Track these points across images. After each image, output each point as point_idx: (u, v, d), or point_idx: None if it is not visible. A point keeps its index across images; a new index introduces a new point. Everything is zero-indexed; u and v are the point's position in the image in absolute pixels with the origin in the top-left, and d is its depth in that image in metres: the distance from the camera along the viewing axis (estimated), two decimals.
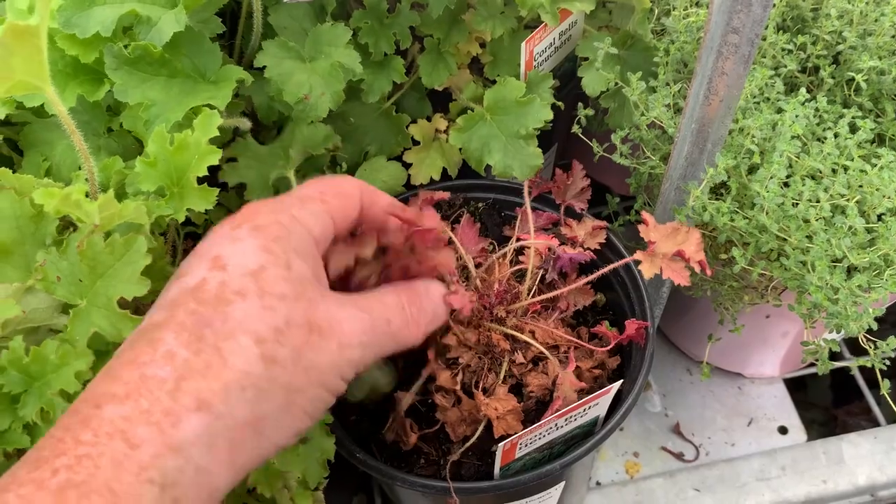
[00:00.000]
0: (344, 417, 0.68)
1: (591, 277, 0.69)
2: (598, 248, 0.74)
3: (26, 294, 0.52)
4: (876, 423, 1.00)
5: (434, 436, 0.67)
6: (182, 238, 0.77)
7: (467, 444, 0.65)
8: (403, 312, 0.52)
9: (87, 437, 0.39)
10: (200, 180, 0.56)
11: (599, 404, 0.63)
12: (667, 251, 0.64)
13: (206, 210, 0.76)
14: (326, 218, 0.50)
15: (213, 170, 0.74)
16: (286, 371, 0.44)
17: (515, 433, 0.62)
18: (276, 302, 0.44)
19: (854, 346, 1.00)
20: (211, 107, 0.60)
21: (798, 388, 1.06)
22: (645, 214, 0.66)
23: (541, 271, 0.71)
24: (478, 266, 0.71)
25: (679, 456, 0.96)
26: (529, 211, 0.73)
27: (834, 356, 1.05)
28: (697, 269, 0.63)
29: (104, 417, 0.39)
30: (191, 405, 0.41)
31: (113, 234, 0.54)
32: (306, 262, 0.47)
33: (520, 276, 0.71)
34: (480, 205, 0.83)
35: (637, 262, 0.63)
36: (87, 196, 0.56)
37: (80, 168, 0.60)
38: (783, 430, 0.98)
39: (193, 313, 0.43)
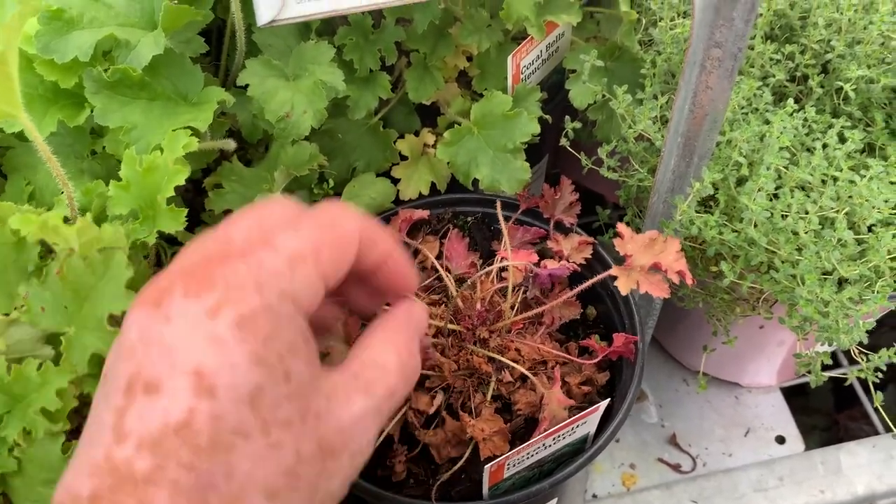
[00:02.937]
0: None
1: (573, 291, 0.68)
2: (584, 262, 0.73)
3: (9, 327, 0.52)
4: (878, 428, 0.99)
5: (422, 456, 0.67)
6: (169, 257, 0.76)
7: (456, 466, 0.64)
8: (405, 372, 0.44)
9: None
10: (170, 201, 0.56)
11: (588, 422, 0.63)
12: (644, 263, 0.63)
13: (192, 230, 0.77)
14: (319, 285, 0.41)
15: (204, 193, 0.74)
16: None
17: (503, 454, 0.61)
18: (283, 434, 0.37)
19: (850, 352, 0.99)
20: (193, 129, 0.60)
21: (798, 393, 1.05)
22: (621, 227, 0.65)
23: (523, 288, 0.71)
24: (461, 282, 0.70)
25: (676, 467, 0.96)
26: (505, 229, 0.72)
27: (832, 363, 1.05)
28: (676, 279, 0.62)
29: None
30: None
31: (92, 253, 0.54)
32: (300, 356, 0.38)
33: (504, 293, 0.71)
34: (470, 219, 0.83)
35: (614, 278, 0.63)
36: (66, 221, 0.56)
37: (62, 192, 0.60)
38: (781, 440, 0.97)
39: (189, 469, 0.34)
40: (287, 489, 0.36)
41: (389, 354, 0.44)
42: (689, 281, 0.61)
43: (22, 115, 0.50)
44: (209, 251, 0.39)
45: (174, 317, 0.37)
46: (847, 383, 0.71)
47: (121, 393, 0.36)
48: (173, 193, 0.55)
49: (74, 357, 0.53)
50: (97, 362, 0.52)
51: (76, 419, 0.58)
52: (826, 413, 1.24)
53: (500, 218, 0.75)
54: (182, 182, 0.55)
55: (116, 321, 0.54)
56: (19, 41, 0.48)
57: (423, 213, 0.76)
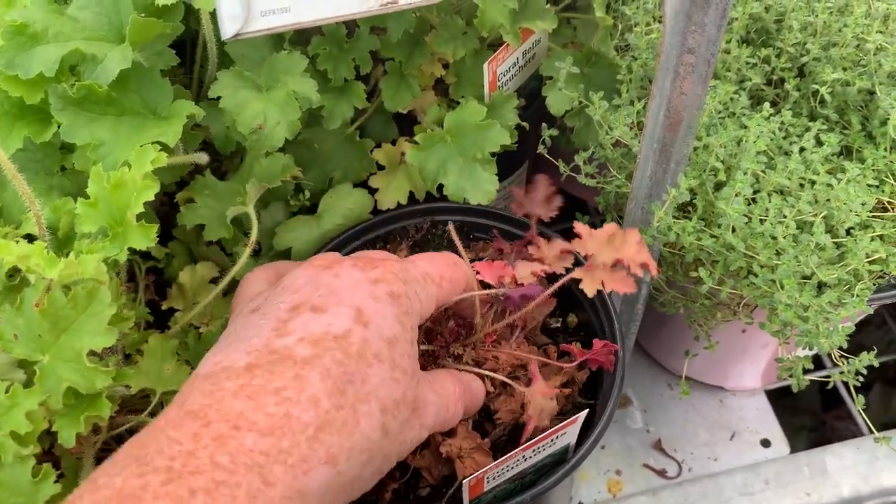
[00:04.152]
0: None
1: (547, 292, 0.67)
2: (564, 271, 0.72)
3: None
4: (864, 428, 0.99)
5: (413, 478, 0.66)
6: (143, 272, 0.75)
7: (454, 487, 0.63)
8: (457, 404, 0.57)
9: (225, 462, 0.40)
10: (140, 217, 0.55)
11: (568, 433, 0.62)
12: (606, 260, 0.61)
13: (167, 244, 0.76)
14: (433, 304, 0.56)
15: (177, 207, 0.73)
16: (390, 443, 0.48)
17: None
18: (401, 376, 0.48)
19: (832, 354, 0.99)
20: (162, 143, 0.59)
21: (785, 394, 1.05)
22: (578, 226, 0.63)
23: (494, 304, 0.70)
24: None
25: (662, 473, 0.95)
26: (459, 244, 0.70)
27: (816, 365, 1.05)
28: (640, 272, 0.60)
29: (244, 445, 0.41)
30: (322, 457, 0.43)
31: (75, 289, 0.53)
32: (414, 342, 0.52)
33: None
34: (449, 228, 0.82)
35: (578, 281, 0.62)
36: (32, 240, 0.55)
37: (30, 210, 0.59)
38: (766, 443, 0.97)
39: (339, 364, 0.45)
40: (391, 414, 0.47)
41: (453, 385, 0.57)
42: (652, 272, 0.60)
43: None
44: (366, 254, 0.56)
45: (343, 275, 0.50)
46: (829, 386, 0.71)
47: (285, 311, 0.48)
48: (143, 209, 0.54)
49: (48, 387, 0.52)
50: (72, 396, 0.51)
51: (47, 440, 0.57)
52: (813, 413, 1.24)
53: (452, 231, 0.72)
54: (151, 198, 0.54)
55: (97, 357, 0.53)
56: None
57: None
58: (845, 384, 1.03)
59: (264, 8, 0.45)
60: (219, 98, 0.68)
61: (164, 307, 0.72)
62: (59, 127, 0.59)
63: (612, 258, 0.60)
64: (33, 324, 0.52)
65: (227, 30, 0.45)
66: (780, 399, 1.02)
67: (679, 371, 1.01)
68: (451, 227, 0.72)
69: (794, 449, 0.97)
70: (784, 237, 0.63)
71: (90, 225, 0.55)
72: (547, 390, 0.62)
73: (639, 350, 1.05)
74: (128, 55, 0.58)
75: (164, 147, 0.58)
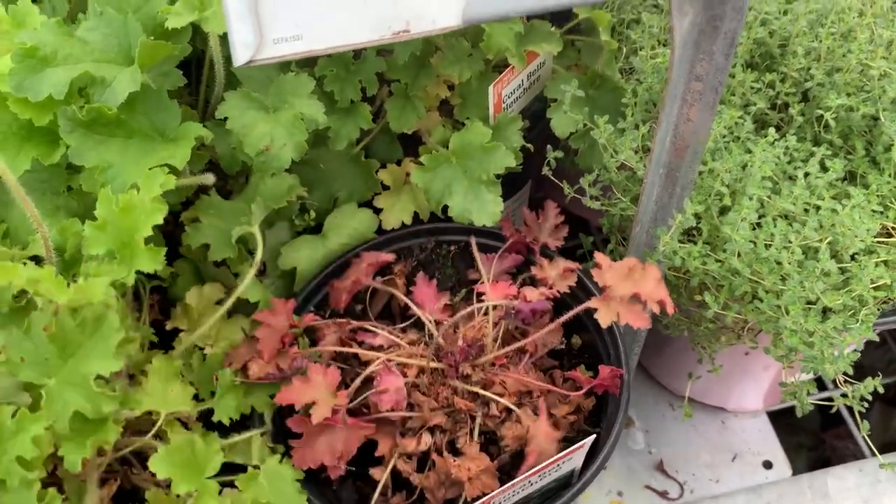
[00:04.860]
0: (324, 488, 0.66)
1: (557, 322, 0.68)
2: (569, 290, 0.73)
3: None
4: (864, 448, 0.99)
5: (420, 501, 0.66)
6: (148, 292, 0.75)
7: None
8: None
9: None
10: (149, 240, 0.55)
11: (573, 458, 0.62)
12: (624, 293, 0.62)
13: (171, 264, 0.75)
14: None
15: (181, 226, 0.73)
16: None
17: (492, 491, 0.60)
18: None
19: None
20: (170, 166, 0.59)
21: (784, 414, 1.05)
22: (599, 257, 0.64)
23: (504, 322, 0.70)
24: (440, 324, 0.70)
25: (663, 494, 0.95)
26: (479, 258, 0.71)
27: (818, 384, 1.05)
28: (657, 309, 0.61)
29: None
30: None
31: (83, 313, 0.53)
32: None
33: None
34: (452, 248, 0.82)
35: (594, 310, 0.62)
36: (39, 262, 0.55)
37: (37, 232, 0.59)
38: (768, 465, 0.97)
39: None
40: None
41: None
42: (669, 310, 0.61)
43: None
44: None
45: None
46: (833, 410, 0.71)
47: None
48: (152, 233, 0.54)
49: (54, 412, 0.52)
50: (78, 420, 0.51)
51: (50, 463, 0.56)
52: (812, 433, 1.23)
53: (478, 257, 0.74)
54: (160, 221, 0.54)
55: (103, 380, 0.53)
56: None
57: (388, 257, 0.76)
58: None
59: (277, 36, 0.45)
60: (225, 119, 0.68)
61: (168, 327, 0.72)
62: (67, 148, 0.59)
63: (629, 292, 0.61)
64: (41, 347, 0.52)
65: (240, 57, 0.45)
66: (779, 418, 1.02)
67: (680, 391, 1.01)
68: (474, 248, 0.73)
69: (796, 470, 0.97)
70: (789, 263, 0.63)
71: (98, 247, 0.55)
72: (550, 432, 0.62)
73: (640, 370, 1.05)
74: (137, 77, 0.58)
75: (173, 169, 0.58)
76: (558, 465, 0.61)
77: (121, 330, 0.51)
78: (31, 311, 0.54)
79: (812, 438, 1.23)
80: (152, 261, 0.54)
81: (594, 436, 0.62)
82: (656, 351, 1.00)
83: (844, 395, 0.69)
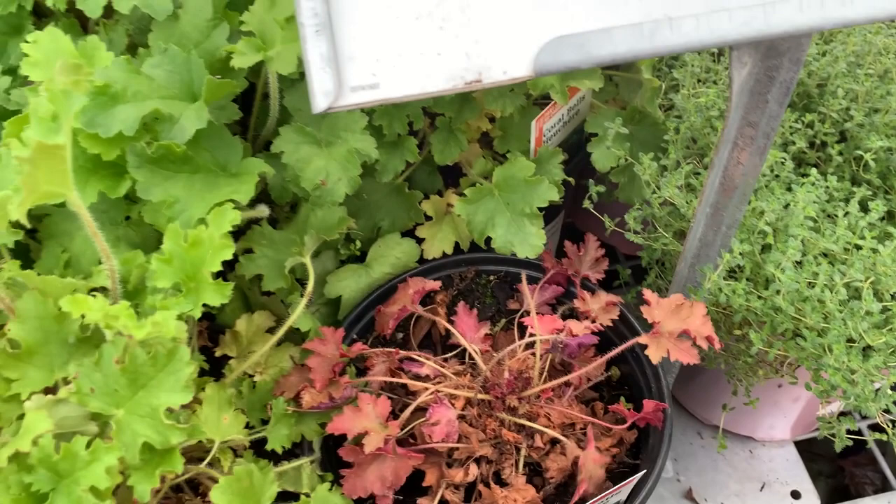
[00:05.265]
0: None
1: (604, 358, 0.69)
2: (611, 323, 0.74)
3: (56, 403, 0.52)
4: (882, 474, 1.00)
5: None
6: (196, 319, 0.76)
7: None
8: None
9: None
10: (216, 274, 0.56)
11: (620, 492, 0.63)
12: (672, 329, 0.64)
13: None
14: None
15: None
16: None
17: None
18: None
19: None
20: (234, 201, 0.61)
21: (803, 441, 1.06)
22: (647, 293, 0.65)
23: (549, 355, 0.71)
24: (486, 354, 0.71)
25: None
26: (531, 300, 0.73)
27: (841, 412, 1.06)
28: (705, 345, 0.62)
29: None
30: None
31: (155, 347, 0.54)
32: None
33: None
34: (492, 278, 0.84)
35: (644, 346, 0.63)
36: (105, 292, 0.56)
37: (100, 262, 0.60)
38: (796, 495, 0.98)
39: None
40: None
41: None
42: (717, 346, 0.62)
43: (73, 195, 0.50)
44: None
45: None
46: (868, 446, 0.72)
47: None
48: (220, 268, 0.55)
49: (124, 442, 0.53)
50: (147, 451, 0.52)
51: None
52: (830, 459, 1.24)
53: (526, 290, 0.75)
54: (229, 256, 0.56)
55: (170, 412, 0.54)
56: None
57: (435, 284, 0.77)
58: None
59: (355, 84, 0.47)
60: (280, 152, 0.70)
61: (217, 354, 0.73)
62: (133, 183, 0.60)
63: (678, 328, 0.62)
64: (110, 379, 0.53)
65: (319, 104, 0.46)
66: (797, 444, 1.03)
67: (709, 420, 1.02)
68: (523, 280, 0.74)
69: (824, 501, 0.98)
70: (832, 302, 0.65)
71: (164, 281, 0.56)
72: (599, 458, 0.63)
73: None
74: (203, 115, 0.60)
75: (237, 204, 0.59)
76: (606, 500, 0.62)
77: (191, 364, 0.53)
78: (100, 343, 0.55)
79: (829, 465, 1.23)
80: (219, 295, 0.55)
81: (644, 471, 0.63)
82: (685, 380, 1.01)
83: (882, 431, 0.70)
